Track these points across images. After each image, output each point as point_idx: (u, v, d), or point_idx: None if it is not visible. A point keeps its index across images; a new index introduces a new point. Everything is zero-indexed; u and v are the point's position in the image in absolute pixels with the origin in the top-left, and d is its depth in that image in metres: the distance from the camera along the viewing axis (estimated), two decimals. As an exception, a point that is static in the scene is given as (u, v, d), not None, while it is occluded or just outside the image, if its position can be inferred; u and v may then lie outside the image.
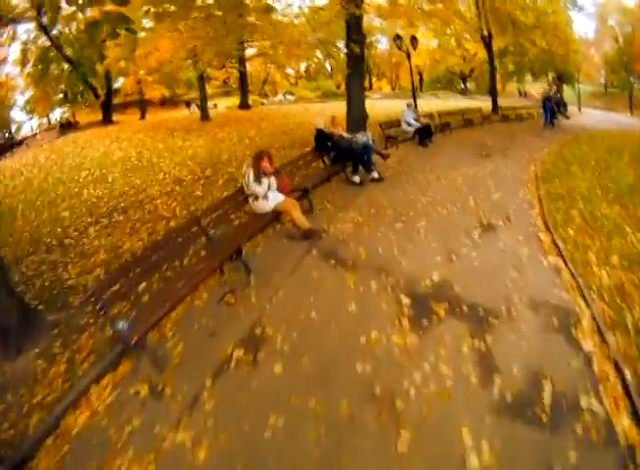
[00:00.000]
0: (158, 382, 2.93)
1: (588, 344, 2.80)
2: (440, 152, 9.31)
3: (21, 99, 24.31)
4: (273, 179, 4.90)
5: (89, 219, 6.85)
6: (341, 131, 7.14)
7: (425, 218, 5.26)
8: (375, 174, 6.93)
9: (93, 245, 5.57)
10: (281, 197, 4.91)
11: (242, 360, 3.03)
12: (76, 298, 4.07)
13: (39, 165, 13.10)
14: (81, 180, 10.10)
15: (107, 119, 21.93)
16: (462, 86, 32.22)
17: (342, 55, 12.03)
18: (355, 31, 9.49)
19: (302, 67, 34.26)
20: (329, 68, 35.03)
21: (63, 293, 4.29)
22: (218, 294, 3.88)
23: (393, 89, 35.47)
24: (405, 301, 3.48)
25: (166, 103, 26.79)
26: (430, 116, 11.86)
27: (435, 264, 4.05)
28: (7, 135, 24.01)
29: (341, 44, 12.27)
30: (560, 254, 4.02)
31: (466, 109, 14.46)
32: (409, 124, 9.99)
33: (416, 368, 2.73)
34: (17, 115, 25.39)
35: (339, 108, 15.22)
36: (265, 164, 4.79)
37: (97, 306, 2.98)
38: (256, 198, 4.80)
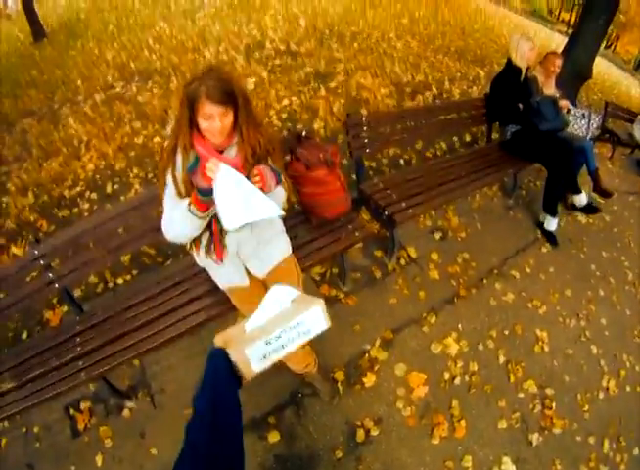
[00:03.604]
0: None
1: None
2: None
3: None
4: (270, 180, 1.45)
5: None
6: (551, 89, 3.27)
7: None
8: (583, 198, 3.44)
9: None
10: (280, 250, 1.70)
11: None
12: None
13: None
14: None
15: None
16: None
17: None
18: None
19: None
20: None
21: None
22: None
23: (607, 47, 26.51)
24: None
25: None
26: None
27: None
28: None
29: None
30: None
31: None
32: (649, 136, 5.43)
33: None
34: None
35: (547, 41, 10.24)
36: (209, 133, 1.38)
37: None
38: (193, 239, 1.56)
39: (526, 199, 3.55)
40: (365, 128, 2.55)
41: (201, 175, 1.29)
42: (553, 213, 3.18)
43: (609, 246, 3.47)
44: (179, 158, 1.40)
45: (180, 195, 1.39)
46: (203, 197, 1.29)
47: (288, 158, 2.04)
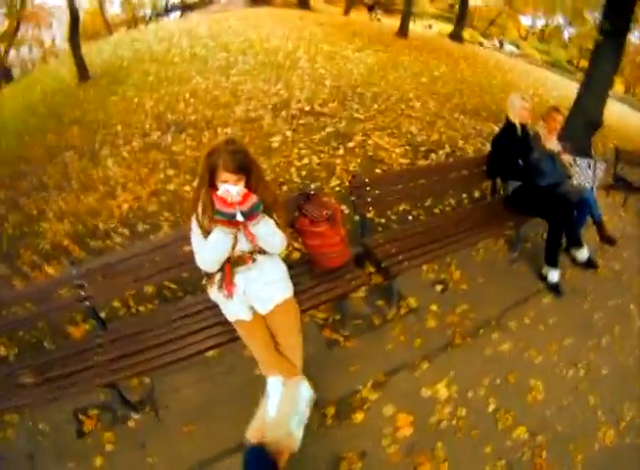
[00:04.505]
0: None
1: None
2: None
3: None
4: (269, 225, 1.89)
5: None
6: (553, 144, 3.44)
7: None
8: (584, 253, 3.54)
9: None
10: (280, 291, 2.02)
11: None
12: None
13: (193, 35, 11.72)
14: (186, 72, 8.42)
15: (302, 3, 19.56)
16: None
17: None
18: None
19: (539, 23, 28.19)
20: (567, 35, 28.43)
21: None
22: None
23: (627, 91, 26.21)
24: None
25: (375, 7, 23.60)
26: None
27: None
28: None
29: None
30: None
31: None
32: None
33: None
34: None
35: (565, 91, 10.43)
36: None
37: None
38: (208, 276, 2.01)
39: (532, 252, 3.63)
40: (368, 189, 2.85)
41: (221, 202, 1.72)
42: (554, 265, 3.26)
43: (616, 294, 3.46)
44: (200, 207, 1.82)
45: (203, 232, 1.81)
46: (222, 217, 1.73)
47: (296, 213, 2.37)
